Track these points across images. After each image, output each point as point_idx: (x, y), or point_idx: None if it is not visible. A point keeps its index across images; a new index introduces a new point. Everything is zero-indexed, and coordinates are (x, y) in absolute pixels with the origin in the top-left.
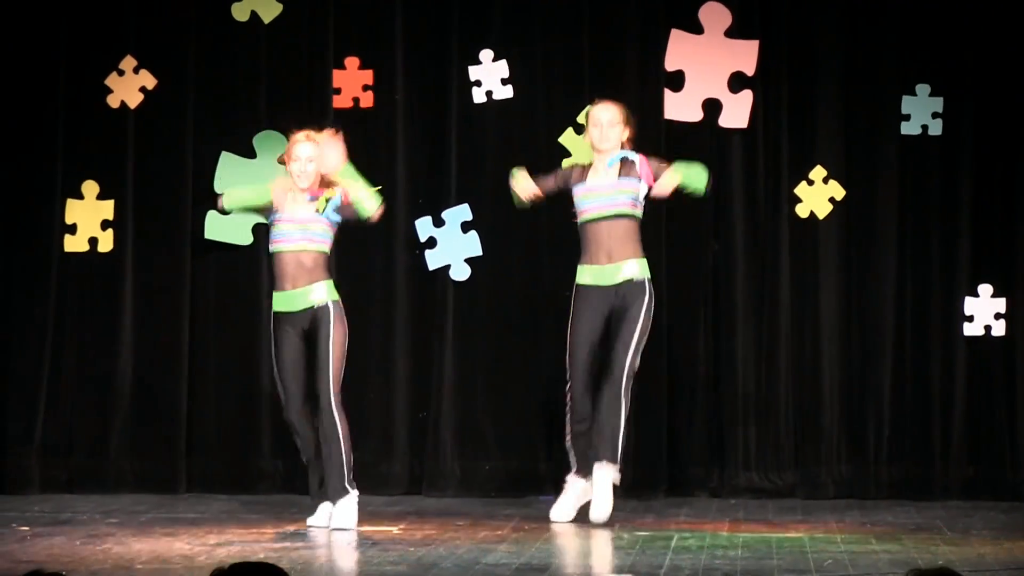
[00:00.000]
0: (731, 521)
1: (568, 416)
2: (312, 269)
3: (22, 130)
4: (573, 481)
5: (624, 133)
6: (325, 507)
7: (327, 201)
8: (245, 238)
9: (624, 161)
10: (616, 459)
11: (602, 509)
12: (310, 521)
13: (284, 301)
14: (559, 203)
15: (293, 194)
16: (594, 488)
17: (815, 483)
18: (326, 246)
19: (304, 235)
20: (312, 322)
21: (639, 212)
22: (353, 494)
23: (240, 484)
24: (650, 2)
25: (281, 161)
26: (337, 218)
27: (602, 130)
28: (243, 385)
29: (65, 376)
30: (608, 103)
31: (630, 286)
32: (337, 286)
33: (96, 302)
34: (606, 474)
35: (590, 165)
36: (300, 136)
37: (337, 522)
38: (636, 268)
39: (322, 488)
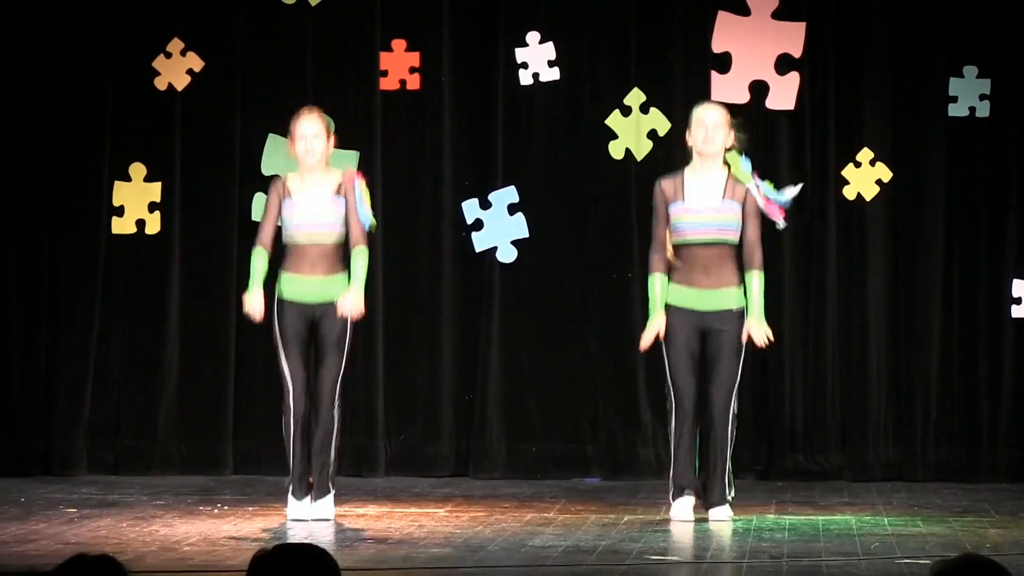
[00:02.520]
0: (777, 503)
1: (673, 439)
2: (331, 257)
3: (70, 113)
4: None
5: (729, 137)
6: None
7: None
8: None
9: (732, 181)
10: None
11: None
12: (289, 514)
13: (298, 289)
14: (606, 185)
15: (301, 177)
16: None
17: (862, 465)
18: (342, 232)
19: (321, 222)
20: (323, 314)
21: (738, 238)
22: (331, 496)
23: (286, 466)
24: None
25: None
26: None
27: (707, 131)
28: None
29: (112, 358)
30: (713, 104)
31: (728, 316)
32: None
33: (143, 284)
34: (723, 513)
35: (682, 177)
36: (302, 112)
37: (319, 513)
38: (733, 298)
39: (302, 483)
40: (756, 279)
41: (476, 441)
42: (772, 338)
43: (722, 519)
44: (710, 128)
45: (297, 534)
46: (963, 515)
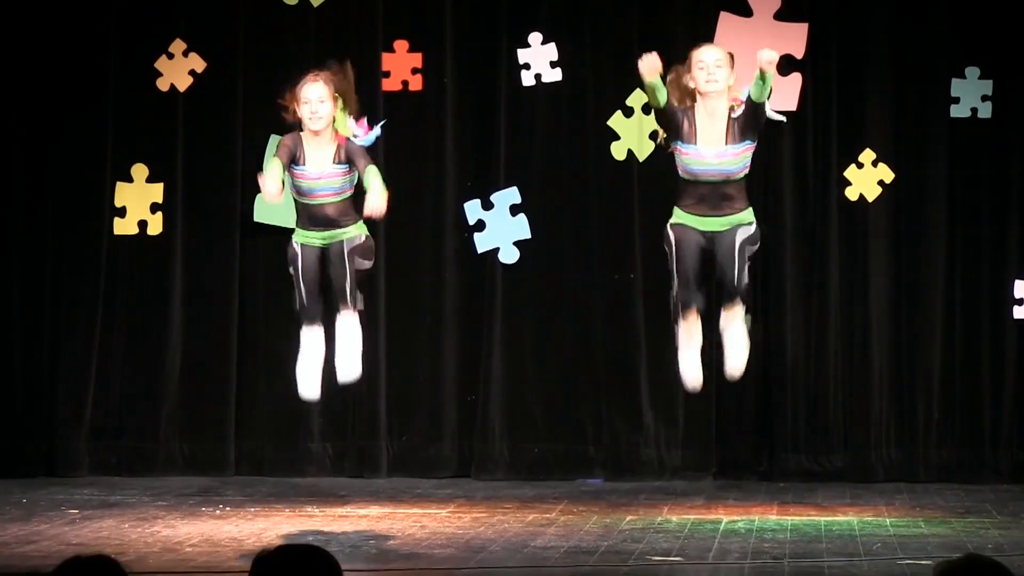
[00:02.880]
0: (780, 504)
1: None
2: (342, 214)
3: (72, 113)
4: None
5: (731, 78)
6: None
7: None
8: (294, 221)
9: (735, 121)
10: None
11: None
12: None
13: (312, 237)
14: (608, 186)
15: (307, 142)
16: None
17: (864, 466)
18: (350, 191)
19: (327, 188)
20: (340, 246)
21: (744, 173)
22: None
23: (289, 467)
24: None
25: (283, 108)
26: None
27: (708, 70)
28: (292, 368)
29: (115, 359)
30: (710, 45)
31: (736, 229)
32: (367, 223)
33: (145, 285)
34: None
35: (692, 110)
36: (308, 77)
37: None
38: (741, 218)
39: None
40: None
41: (478, 442)
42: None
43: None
44: (711, 66)
45: (301, 536)
46: (965, 516)
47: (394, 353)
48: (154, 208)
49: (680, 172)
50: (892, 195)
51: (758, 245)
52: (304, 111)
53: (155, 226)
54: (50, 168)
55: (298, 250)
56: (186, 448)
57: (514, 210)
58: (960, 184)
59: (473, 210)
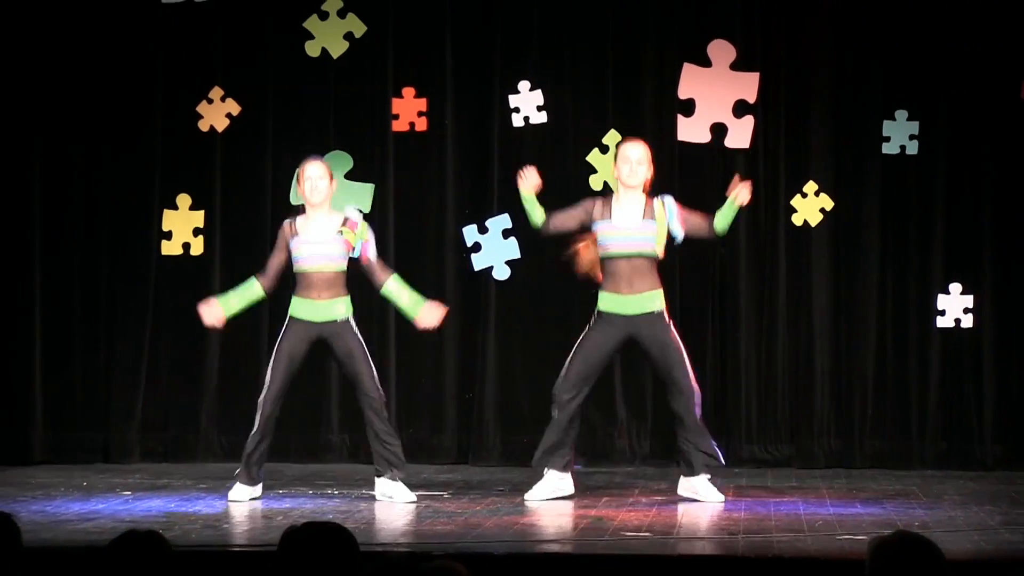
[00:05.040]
0: (735, 487)
1: (554, 411)
2: (334, 284)
3: (125, 150)
4: (548, 474)
5: (648, 172)
6: (241, 489)
7: (356, 237)
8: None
9: (650, 205)
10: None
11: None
12: (231, 495)
13: (306, 308)
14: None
15: (306, 218)
16: (701, 494)
17: (808, 455)
18: (344, 264)
19: (324, 255)
20: (330, 335)
21: (658, 252)
22: (402, 472)
23: (311, 454)
24: (665, 39)
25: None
26: (357, 254)
27: (632, 167)
28: (314, 368)
29: (162, 362)
30: (637, 141)
31: (653, 318)
32: (353, 301)
33: (188, 298)
34: (704, 482)
35: (610, 198)
36: (308, 159)
37: (400, 496)
38: (653, 301)
39: (252, 469)
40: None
41: (475, 434)
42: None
43: (706, 487)
44: (634, 163)
45: (322, 514)
46: (895, 497)
47: (402, 357)
48: (196, 232)
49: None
50: (832, 221)
51: None
52: (306, 187)
53: (197, 247)
54: (106, 197)
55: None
56: (223, 438)
57: (506, 234)
58: (891, 212)
59: (470, 234)
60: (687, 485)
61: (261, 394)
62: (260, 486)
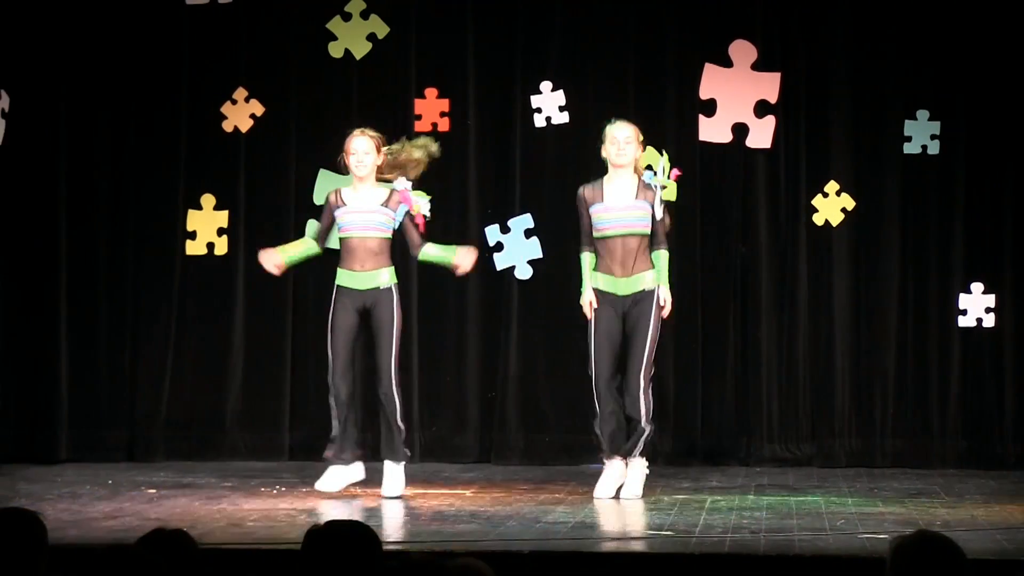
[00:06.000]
0: (757, 486)
1: (597, 405)
2: (378, 254)
3: (150, 151)
4: (609, 463)
5: (638, 150)
6: (336, 471)
7: (400, 206)
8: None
9: (642, 184)
10: (644, 453)
11: (636, 491)
12: (318, 485)
13: (350, 278)
14: None
15: (354, 187)
16: (629, 476)
17: (829, 454)
18: (388, 233)
19: (369, 223)
20: (373, 302)
21: (649, 230)
22: (403, 463)
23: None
24: (686, 40)
25: (339, 164)
26: (398, 223)
27: (619, 146)
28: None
29: (186, 360)
30: (624, 122)
31: (642, 295)
32: (397, 271)
33: (212, 297)
34: (638, 466)
35: (600, 180)
36: (356, 132)
37: (388, 489)
38: (648, 279)
39: (345, 455)
40: (663, 256)
41: (497, 432)
42: (669, 303)
43: (637, 471)
44: (621, 143)
45: (345, 513)
46: (917, 496)
47: (425, 356)
48: (220, 232)
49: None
50: (853, 221)
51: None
52: (352, 160)
53: (221, 247)
54: (131, 198)
55: None
56: (247, 437)
57: (528, 233)
58: (912, 211)
59: (493, 233)
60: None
61: (328, 373)
62: (359, 466)
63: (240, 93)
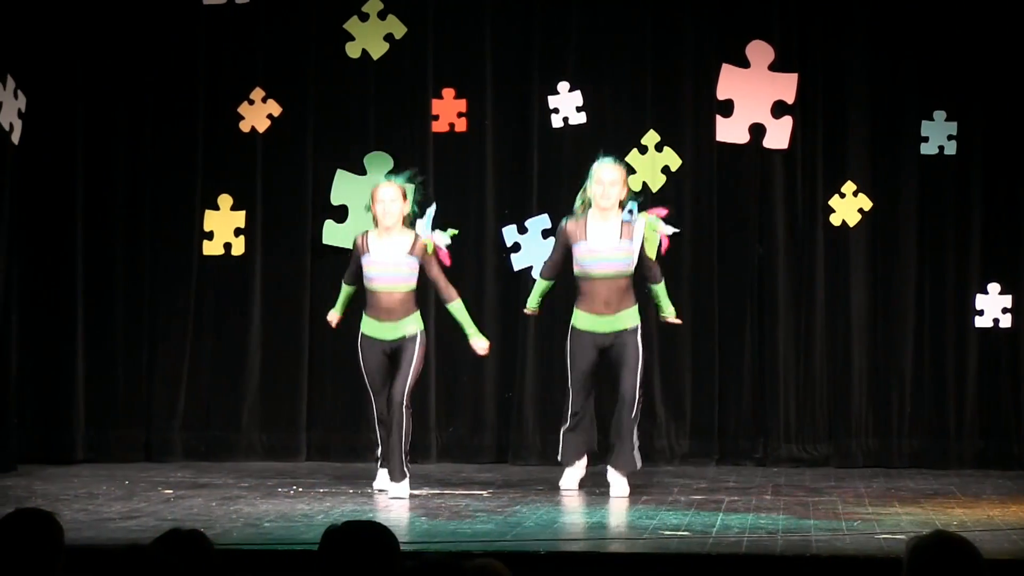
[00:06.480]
0: (773, 486)
1: (568, 414)
2: (404, 303)
3: (167, 151)
4: (569, 470)
5: (623, 192)
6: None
7: (425, 245)
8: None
9: (625, 224)
10: (631, 470)
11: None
12: (376, 485)
13: (376, 329)
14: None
15: (379, 234)
16: (614, 490)
17: (846, 454)
18: (414, 283)
19: (396, 277)
20: (398, 347)
21: (632, 269)
22: (407, 479)
23: (352, 453)
24: (704, 40)
25: (367, 210)
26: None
27: (604, 188)
28: (355, 369)
29: (203, 361)
30: (610, 163)
31: (625, 334)
32: (423, 316)
33: (230, 297)
34: (622, 481)
35: (584, 219)
36: (382, 182)
37: (398, 492)
38: (630, 317)
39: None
40: (661, 289)
41: (514, 432)
42: (678, 320)
43: (621, 485)
44: (607, 185)
45: (363, 513)
46: (933, 497)
47: (442, 356)
48: (237, 232)
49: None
50: (870, 221)
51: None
52: (378, 209)
53: (238, 248)
54: (148, 198)
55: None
56: (264, 437)
57: (545, 234)
58: (928, 212)
59: (510, 234)
60: (610, 471)
61: (373, 408)
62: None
63: (257, 93)
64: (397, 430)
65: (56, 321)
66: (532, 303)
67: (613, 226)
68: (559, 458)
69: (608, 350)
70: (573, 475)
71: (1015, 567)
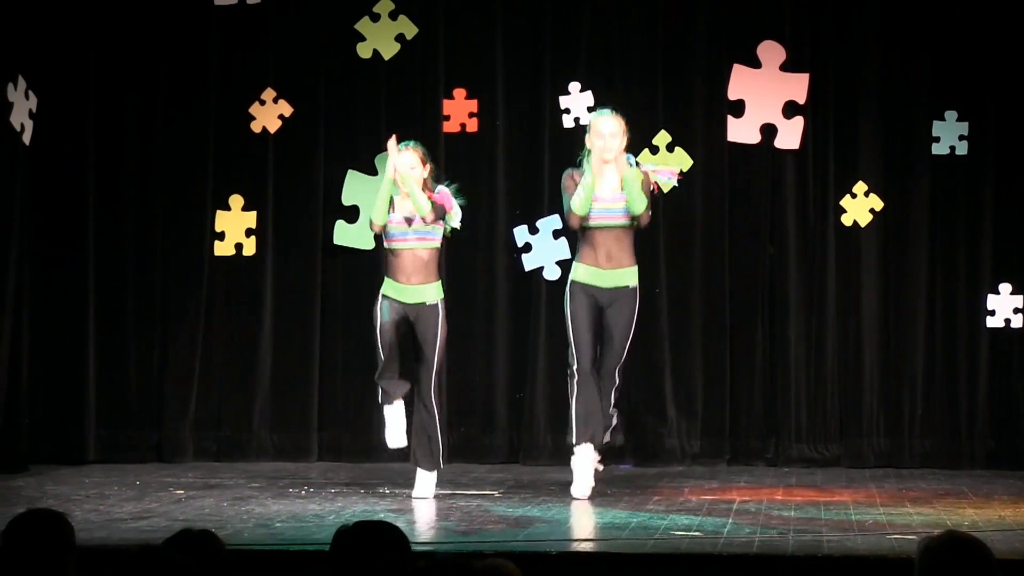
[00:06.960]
0: (785, 487)
1: (575, 392)
2: (427, 265)
3: (178, 152)
4: (579, 450)
5: (623, 143)
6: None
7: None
8: (368, 244)
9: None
10: (601, 445)
11: (585, 488)
12: (418, 492)
13: (397, 291)
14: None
15: (401, 200)
16: (579, 468)
17: (857, 454)
18: (437, 242)
19: (416, 233)
20: (418, 316)
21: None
22: (435, 472)
23: (363, 454)
24: (715, 40)
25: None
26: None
27: (605, 141)
28: (366, 369)
29: (215, 361)
30: (608, 114)
31: (623, 292)
32: (444, 285)
33: (241, 298)
34: (590, 455)
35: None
36: (402, 147)
37: (419, 491)
38: (629, 276)
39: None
40: (636, 213)
41: (526, 433)
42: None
43: (587, 460)
44: (607, 137)
45: (374, 513)
46: (945, 497)
47: (453, 356)
48: (248, 233)
49: None
50: (881, 221)
51: None
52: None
53: (249, 248)
54: (159, 198)
55: None
56: (275, 438)
57: (556, 234)
58: (940, 212)
59: (521, 234)
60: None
61: (376, 374)
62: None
63: (268, 94)
64: (428, 420)
65: (68, 322)
66: (585, 209)
67: (613, 177)
68: (569, 439)
69: (606, 311)
70: (584, 482)
71: None
